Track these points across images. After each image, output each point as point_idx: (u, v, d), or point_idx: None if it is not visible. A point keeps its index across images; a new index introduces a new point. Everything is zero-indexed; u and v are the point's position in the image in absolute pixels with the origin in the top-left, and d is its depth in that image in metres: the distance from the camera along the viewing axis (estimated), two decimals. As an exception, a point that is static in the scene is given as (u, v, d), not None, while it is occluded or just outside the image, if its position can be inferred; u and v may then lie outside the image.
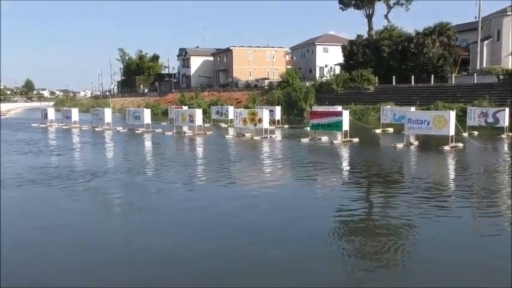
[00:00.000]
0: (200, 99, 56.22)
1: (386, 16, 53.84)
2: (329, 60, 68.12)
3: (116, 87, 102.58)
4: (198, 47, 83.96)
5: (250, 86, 62.85)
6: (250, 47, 72.64)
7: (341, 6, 54.99)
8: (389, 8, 53.11)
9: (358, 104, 43.04)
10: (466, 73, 47.05)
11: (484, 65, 46.01)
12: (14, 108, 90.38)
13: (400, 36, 51.44)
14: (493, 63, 45.80)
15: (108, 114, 35.19)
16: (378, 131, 27.84)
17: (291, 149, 20.97)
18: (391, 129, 27.97)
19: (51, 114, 39.92)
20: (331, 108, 30.75)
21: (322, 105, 39.44)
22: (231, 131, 31.05)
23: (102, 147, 24.19)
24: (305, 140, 23.64)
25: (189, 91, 65.91)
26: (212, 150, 21.21)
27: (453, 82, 43.37)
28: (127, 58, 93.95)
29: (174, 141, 26.22)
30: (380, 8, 55.78)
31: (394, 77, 46.27)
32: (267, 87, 60.04)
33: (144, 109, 34.81)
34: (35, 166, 16.67)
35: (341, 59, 63.96)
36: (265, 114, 26.24)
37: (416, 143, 20.72)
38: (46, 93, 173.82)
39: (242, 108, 30.88)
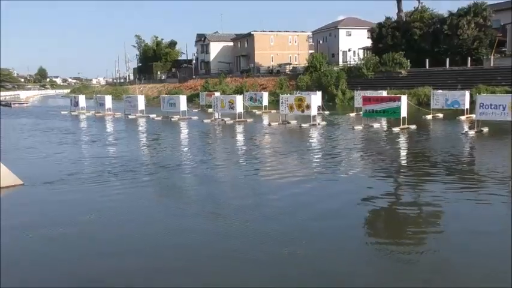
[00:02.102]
0: (225, 85, 55.08)
1: (417, -3, 52.11)
2: (352, 44, 66.45)
3: (131, 74, 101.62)
4: (217, 32, 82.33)
5: (273, 72, 61.61)
6: (272, 31, 70.82)
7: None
8: (421, -11, 51.41)
9: (393, 88, 41.64)
10: (499, 55, 45.41)
11: (523, 47, 44.39)
12: (31, 96, 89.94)
13: (432, 18, 49.75)
14: (532, 45, 44.18)
15: (141, 101, 34.41)
16: (429, 116, 26.72)
17: (352, 139, 19.69)
18: (440, 115, 27.02)
19: (82, 101, 39.16)
20: (374, 94, 29.60)
21: (353, 90, 38.33)
22: (265, 119, 30.17)
23: (150, 137, 23.24)
24: (358, 128, 22.56)
25: (209, 77, 64.80)
26: (270, 140, 20.07)
27: (491, 64, 41.83)
28: (143, 45, 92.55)
29: (219, 129, 25.21)
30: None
31: (427, 60, 44.82)
32: (290, 72, 58.81)
33: (180, 96, 33.87)
34: (98, 157, 15.81)
35: (365, 43, 62.47)
36: (313, 100, 25.18)
37: (486, 129, 19.55)
38: (59, 81, 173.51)
39: (287, 94, 29.81)
